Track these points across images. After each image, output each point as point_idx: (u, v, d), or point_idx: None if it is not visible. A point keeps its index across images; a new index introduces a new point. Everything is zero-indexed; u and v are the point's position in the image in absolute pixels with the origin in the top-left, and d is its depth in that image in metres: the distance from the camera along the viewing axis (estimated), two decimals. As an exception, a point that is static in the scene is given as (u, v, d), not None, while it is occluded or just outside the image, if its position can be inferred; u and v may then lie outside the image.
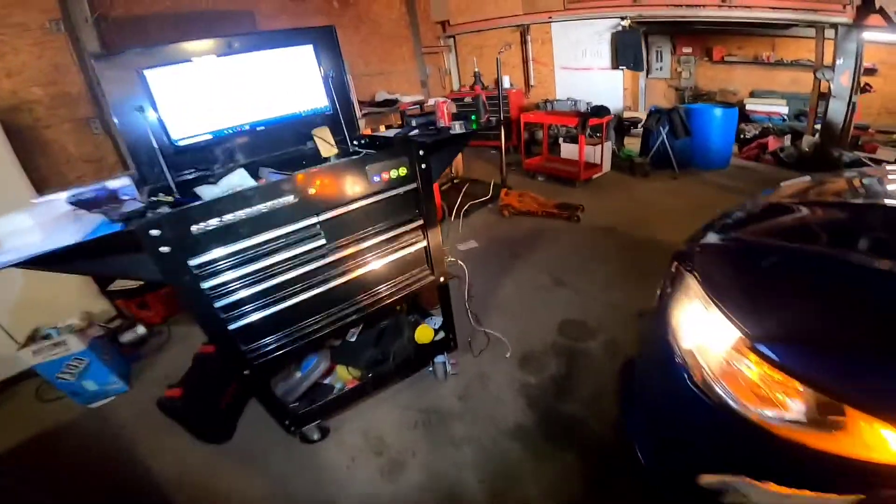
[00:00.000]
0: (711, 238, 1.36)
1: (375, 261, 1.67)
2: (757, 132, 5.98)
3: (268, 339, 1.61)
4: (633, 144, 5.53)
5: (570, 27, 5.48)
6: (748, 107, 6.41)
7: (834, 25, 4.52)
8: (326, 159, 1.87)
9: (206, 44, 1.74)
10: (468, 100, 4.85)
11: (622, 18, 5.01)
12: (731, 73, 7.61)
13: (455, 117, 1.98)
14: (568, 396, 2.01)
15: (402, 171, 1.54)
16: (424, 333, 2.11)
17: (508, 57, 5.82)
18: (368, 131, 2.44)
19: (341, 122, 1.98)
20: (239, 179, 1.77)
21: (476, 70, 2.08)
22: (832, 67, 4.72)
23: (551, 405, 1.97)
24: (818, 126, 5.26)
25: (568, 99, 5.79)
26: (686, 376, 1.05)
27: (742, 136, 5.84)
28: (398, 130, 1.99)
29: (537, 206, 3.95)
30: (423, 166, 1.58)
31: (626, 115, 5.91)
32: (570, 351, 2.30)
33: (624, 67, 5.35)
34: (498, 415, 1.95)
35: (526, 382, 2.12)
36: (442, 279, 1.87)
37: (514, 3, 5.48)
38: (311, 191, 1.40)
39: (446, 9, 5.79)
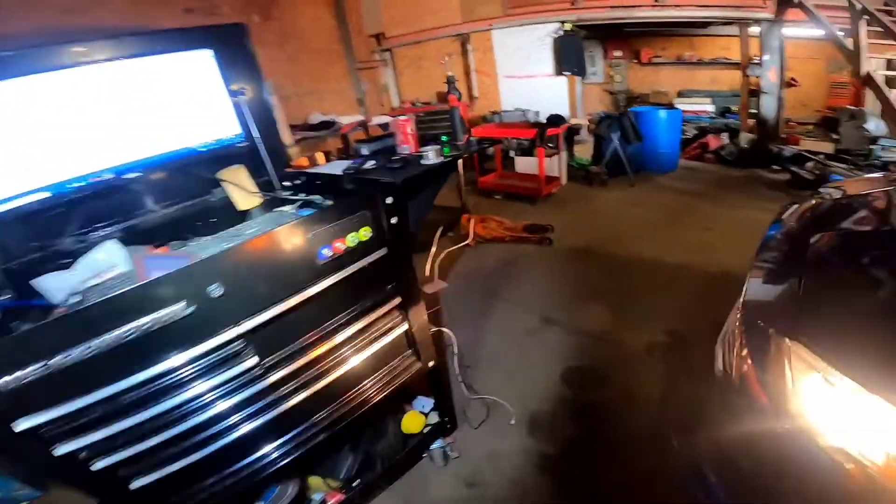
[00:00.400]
0: (788, 285, 1.01)
1: (340, 364, 1.11)
2: (697, 132, 6.12)
3: (198, 486, 1.04)
4: (581, 152, 5.37)
5: (511, 34, 5.27)
6: (677, 107, 6.60)
7: (758, 21, 4.65)
8: (245, 213, 1.30)
9: (35, 53, 1.13)
10: (416, 116, 4.38)
11: (562, 23, 4.84)
12: (658, 74, 7.90)
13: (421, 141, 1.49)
14: (598, 463, 1.66)
15: (364, 232, 1.00)
16: (413, 422, 1.63)
17: (449, 68, 5.47)
18: (304, 161, 1.88)
19: (263, 155, 1.41)
20: (107, 258, 1.16)
21: (449, 74, 1.66)
22: (760, 63, 4.88)
23: (583, 477, 1.63)
24: (751, 122, 5.45)
25: (516, 109, 5.54)
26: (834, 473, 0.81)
27: (682, 137, 5.94)
28: (347, 164, 1.44)
29: (504, 230, 3.57)
30: (395, 220, 1.05)
31: (571, 121, 5.78)
32: (583, 406, 1.96)
33: (567, 73, 5.19)
34: (520, 498, 1.58)
35: (542, 452, 1.75)
36: (431, 363, 1.35)
37: (453, 12, 5.16)
38: (220, 292, 0.83)
39: (380, 21, 5.34)
